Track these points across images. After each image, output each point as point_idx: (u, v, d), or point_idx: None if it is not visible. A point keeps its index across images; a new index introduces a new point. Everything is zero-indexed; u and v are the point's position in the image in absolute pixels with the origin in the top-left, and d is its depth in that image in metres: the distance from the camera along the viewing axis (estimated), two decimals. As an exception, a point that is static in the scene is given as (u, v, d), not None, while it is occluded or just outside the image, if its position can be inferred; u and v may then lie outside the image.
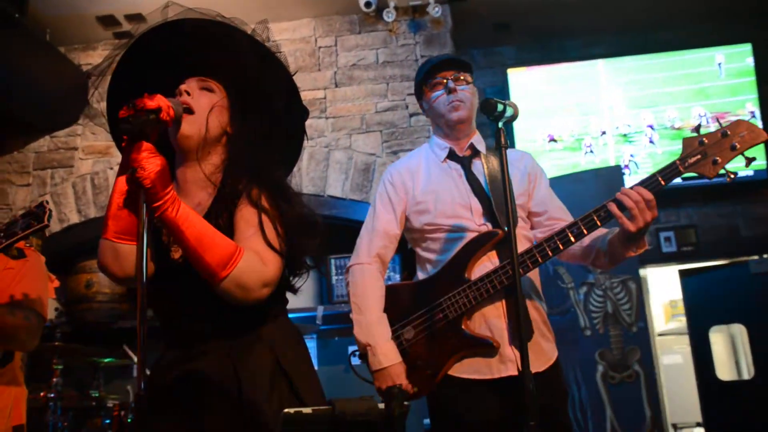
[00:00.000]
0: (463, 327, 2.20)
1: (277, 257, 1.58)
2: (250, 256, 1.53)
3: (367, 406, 1.08)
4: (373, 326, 2.28)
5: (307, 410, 1.06)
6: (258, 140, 1.70)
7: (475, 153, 2.42)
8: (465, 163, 2.40)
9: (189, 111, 1.64)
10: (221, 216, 1.60)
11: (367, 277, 2.36)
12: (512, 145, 4.92)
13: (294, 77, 1.80)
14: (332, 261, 4.81)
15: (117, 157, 5.26)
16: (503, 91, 5.40)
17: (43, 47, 5.07)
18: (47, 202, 1.97)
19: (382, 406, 1.11)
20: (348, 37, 5.24)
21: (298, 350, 1.68)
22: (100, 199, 5.21)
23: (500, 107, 1.94)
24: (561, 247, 2.15)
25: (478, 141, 2.45)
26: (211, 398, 1.57)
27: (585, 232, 2.14)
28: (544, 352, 2.24)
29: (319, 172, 4.87)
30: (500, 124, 1.95)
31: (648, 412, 3.84)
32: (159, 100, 1.49)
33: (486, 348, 2.18)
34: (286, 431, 1.03)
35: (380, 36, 5.21)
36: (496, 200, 2.28)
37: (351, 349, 5.03)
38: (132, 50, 1.75)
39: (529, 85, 5.42)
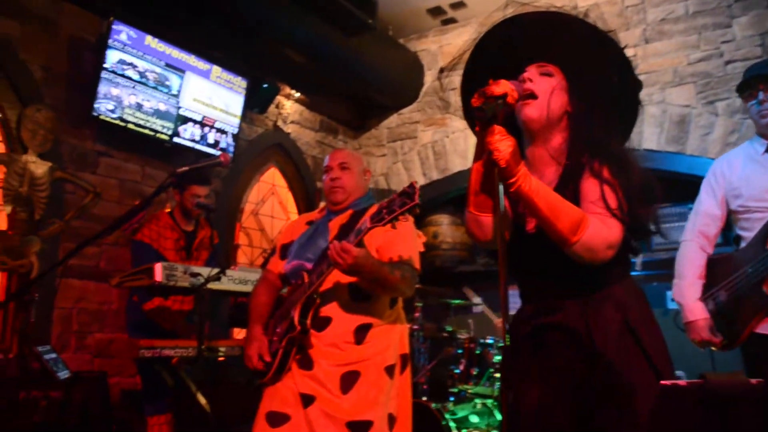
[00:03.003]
0: (764, 289, 2.30)
1: (618, 222, 1.51)
2: (595, 222, 1.49)
3: (739, 382, 0.98)
4: (685, 289, 2.58)
5: (681, 383, 1.00)
6: (596, 116, 1.62)
7: None
8: None
9: (532, 96, 1.62)
10: (568, 188, 1.57)
11: (687, 250, 2.65)
12: None
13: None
14: (649, 211, 4.51)
15: (451, 127, 5.48)
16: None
17: (387, 41, 5.46)
18: (417, 183, 2.03)
19: (753, 381, 1.00)
20: (655, -8, 4.77)
21: (643, 309, 1.60)
22: (440, 163, 5.50)
23: None
24: None
25: None
26: (566, 348, 1.57)
27: None
28: None
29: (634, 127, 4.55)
30: None
31: None
32: (504, 86, 1.48)
33: None
34: (663, 400, 0.99)
35: (689, -14, 4.66)
36: None
37: (668, 294, 4.74)
38: (477, 46, 1.78)
39: None
